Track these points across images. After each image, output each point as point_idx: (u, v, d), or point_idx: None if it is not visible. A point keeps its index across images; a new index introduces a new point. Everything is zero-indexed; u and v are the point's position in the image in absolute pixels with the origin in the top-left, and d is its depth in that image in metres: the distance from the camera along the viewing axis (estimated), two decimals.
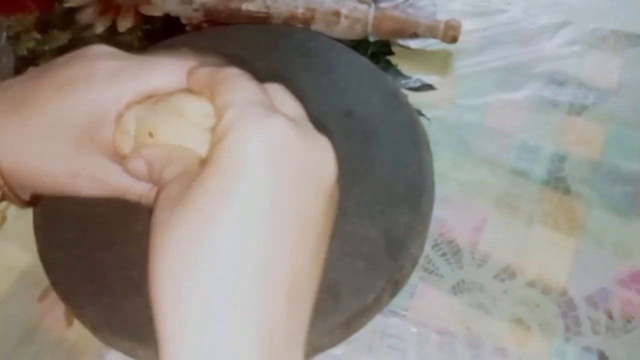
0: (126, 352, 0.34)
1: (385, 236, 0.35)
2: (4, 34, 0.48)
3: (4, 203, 0.44)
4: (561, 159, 0.44)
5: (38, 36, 0.55)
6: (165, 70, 0.29)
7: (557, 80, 0.48)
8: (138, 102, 0.29)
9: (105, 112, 0.28)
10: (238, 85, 0.25)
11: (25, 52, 0.54)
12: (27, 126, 0.27)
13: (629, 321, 0.37)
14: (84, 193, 0.30)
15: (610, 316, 0.37)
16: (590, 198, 0.42)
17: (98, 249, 0.37)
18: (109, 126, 0.28)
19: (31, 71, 0.30)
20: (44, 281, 0.39)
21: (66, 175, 0.29)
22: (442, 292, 0.38)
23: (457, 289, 0.38)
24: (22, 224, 0.43)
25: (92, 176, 0.29)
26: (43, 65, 0.30)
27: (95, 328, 0.35)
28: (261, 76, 0.42)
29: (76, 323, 0.38)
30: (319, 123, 0.41)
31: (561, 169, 0.43)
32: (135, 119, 0.28)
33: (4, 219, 0.43)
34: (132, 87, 0.28)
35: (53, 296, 0.39)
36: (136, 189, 0.30)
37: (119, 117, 0.28)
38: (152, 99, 0.29)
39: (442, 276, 0.39)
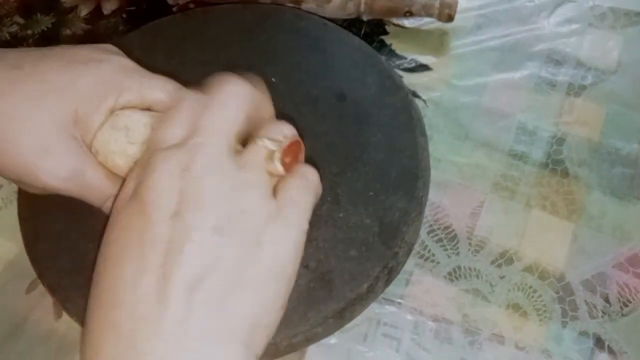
0: None
1: (379, 223, 0.34)
2: None
3: None
4: (559, 140, 0.43)
5: (21, 20, 0.54)
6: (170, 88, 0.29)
7: (555, 60, 0.47)
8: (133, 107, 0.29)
9: (105, 98, 0.27)
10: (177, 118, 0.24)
11: (8, 37, 0.52)
12: (17, 87, 0.25)
13: (625, 305, 0.36)
14: (43, 178, 0.27)
15: (607, 300, 0.37)
16: (588, 180, 0.41)
17: (85, 241, 0.36)
18: (100, 114, 0.27)
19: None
20: (32, 273, 0.38)
21: (36, 148, 0.26)
22: (438, 279, 0.37)
23: (454, 275, 0.38)
24: (8, 214, 0.42)
25: (62, 155, 0.27)
26: None
27: (84, 320, 0.34)
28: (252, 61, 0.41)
29: (65, 315, 0.37)
30: (310, 106, 0.40)
31: (559, 151, 0.42)
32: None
33: None
34: (139, 87, 0.28)
35: (41, 288, 0.38)
36: (107, 190, 0.29)
37: (112, 109, 0.28)
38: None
39: (438, 262, 0.38)
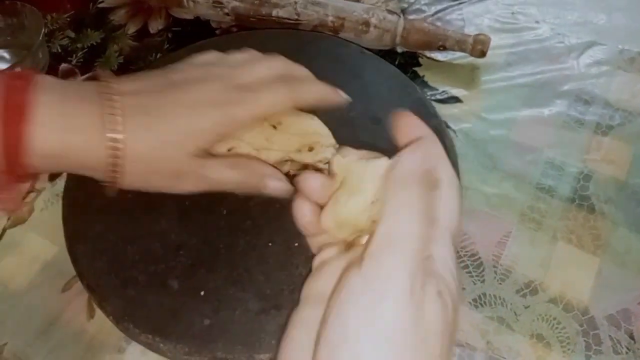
0: (147, 346, 0.34)
1: None
2: (43, 31, 0.50)
3: (32, 194, 0.45)
4: (586, 177, 0.44)
5: (72, 34, 0.57)
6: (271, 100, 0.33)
7: (584, 99, 0.48)
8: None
9: (224, 131, 0.32)
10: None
11: (59, 49, 0.55)
12: (151, 132, 0.30)
13: None
14: (183, 189, 0.33)
15: (631, 337, 0.37)
16: (614, 217, 0.42)
17: (123, 243, 0.38)
18: (222, 146, 0.33)
19: (154, 74, 0.33)
20: (68, 272, 0.39)
21: (171, 175, 0.32)
22: (463, 305, 0.38)
23: (479, 302, 0.38)
24: (48, 215, 0.44)
25: (194, 175, 0.32)
26: (163, 71, 0.33)
27: (118, 320, 0.35)
28: None
29: (96, 316, 0.39)
30: (347, 128, 0.41)
31: (586, 187, 0.43)
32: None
33: (31, 210, 0.44)
34: (248, 112, 0.32)
35: (76, 288, 0.40)
36: (232, 180, 0.33)
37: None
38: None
39: (464, 288, 0.39)
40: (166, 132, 0.30)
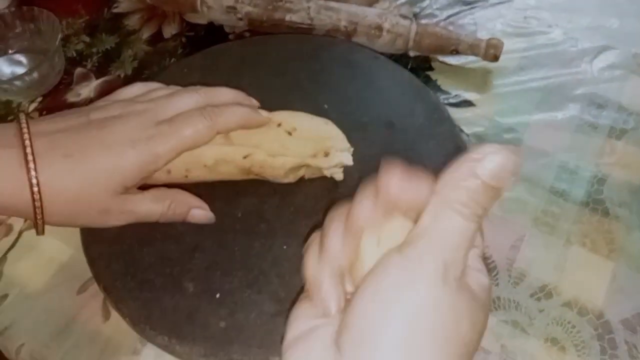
0: (163, 348, 0.35)
1: None
2: (59, 36, 0.50)
3: None
4: (600, 181, 0.44)
5: (87, 39, 0.57)
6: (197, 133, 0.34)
7: (597, 103, 0.48)
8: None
9: (147, 170, 0.33)
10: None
11: (74, 54, 0.56)
12: (74, 174, 0.31)
13: None
14: (110, 224, 0.35)
15: None
16: (629, 221, 0.41)
17: (139, 245, 0.38)
18: (149, 176, 0.34)
19: (75, 113, 0.34)
20: (84, 274, 0.40)
21: (98, 213, 0.33)
22: None
23: (493, 305, 0.38)
24: None
25: (120, 211, 0.34)
26: (83, 110, 0.35)
27: (135, 322, 0.35)
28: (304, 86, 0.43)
29: (112, 318, 0.39)
30: (360, 132, 0.41)
31: (600, 191, 0.43)
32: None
33: None
34: (170, 148, 0.33)
35: (91, 290, 0.40)
36: (156, 212, 0.36)
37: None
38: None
39: None
40: (87, 173, 0.32)
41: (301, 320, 0.24)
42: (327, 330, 0.23)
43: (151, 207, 0.35)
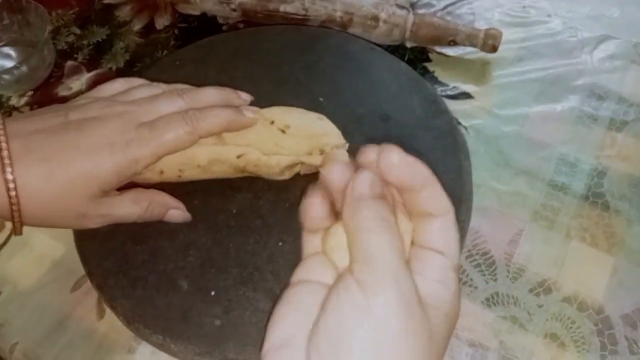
0: (158, 346, 0.34)
1: None
2: (48, 28, 0.49)
3: None
4: (600, 174, 0.43)
5: (77, 31, 0.56)
6: (177, 137, 0.33)
7: (598, 95, 0.47)
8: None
9: (126, 174, 0.33)
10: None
11: (65, 46, 0.55)
12: (51, 179, 0.31)
13: None
14: (88, 227, 0.34)
15: None
16: (629, 215, 0.41)
17: (133, 242, 0.37)
18: (127, 180, 0.34)
19: (53, 112, 0.33)
20: (77, 272, 0.39)
21: (76, 217, 0.33)
22: (475, 304, 0.38)
23: (491, 301, 0.38)
24: None
25: (98, 215, 0.34)
26: (62, 109, 0.34)
27: (129, 320, 0.35)
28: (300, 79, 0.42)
29: (107, 316, 0.38)
30: (356, 125, 0.41)
31: (600, 185, 0.42)
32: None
33: None
34: (149, 153, 0.33)
35: (85, 287, 0.40)
36: (134, 214, 0.35)
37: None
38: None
39: (476, 287, 0.38)
40: (64, 179, 0.31)
41: (279, 327, 0.23)
42: (300, 345, 0.22)
43: (129, 209, 0.35)
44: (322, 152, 0.35)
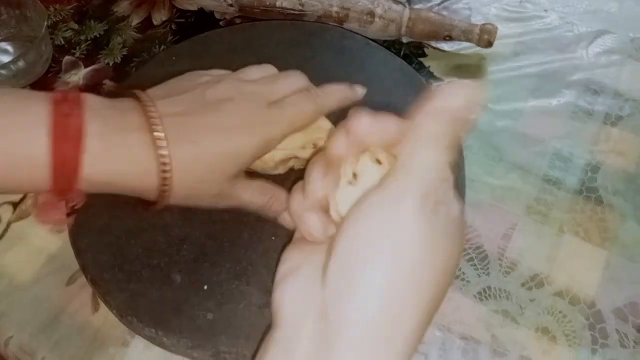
0: (151, 340, 0.34)
1: None
2: (45, 24, 0.49)
3: None
4: (594, 169, 0.43)
5: (75, 26, 0.56)
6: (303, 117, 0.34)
7: (593, 90, 0.47)
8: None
9: (260, 154, 0.33)
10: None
11: (63, 42, 0.55)
12: (198, 160, 0.31)
13: None
14: (218, 207, 0.34)
15: (639, 330, 0.36)
16: (623, 210, 0.41)
17: (127, 237, 0.38)
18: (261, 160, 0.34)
19: (189, 91, 0.33)
20: (72, 266, 0.39)
21: (213, 196, 0.33)
22: (467, 298, 0.38)
23: (484, 295, 0.38)
24: None
25: (230, 196, 0.33)
26: (194, 85, 0.34)
27: (122, 314, 0.35)
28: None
29: (102, 309, 0.39)
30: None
31: (594, 180, 0.42)
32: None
33: (36, 204, 0.44)
34: (281, 132, 0.33)
35: (80, 281, 0.40)
36: (258, 203, 0.34)
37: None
38: None
39: (469, 282, 0.38)
40: (209, 159, 0.31)
41: (289, 260, 0.26)
42: (313, 265, 0.24)
43: (254, 197, 0.34)
44: (315, 146, 0.36)
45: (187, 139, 0.31)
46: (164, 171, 0.30)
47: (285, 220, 0.33)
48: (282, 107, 0.33)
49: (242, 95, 0.33)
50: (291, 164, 0.38)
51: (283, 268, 0.26)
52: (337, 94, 0.36)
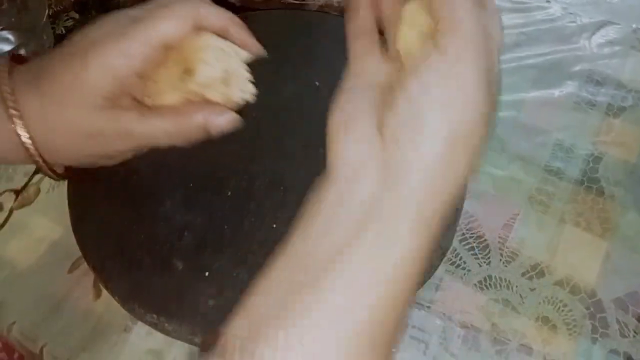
0: (153, 326, 0.35)
1: None
2: (46, 13, 0.49)
3: (38, 176, 0.45)
4: (596, 159, 0.43)
5: (76, 16, 0.56)
6: (173, 18, 0.28)
7: (596, 80, 0.47)
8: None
9: (120, 71, 0.28)
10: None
11: (63, 31, 0.55)
12: (46, 97, 0.28)
13: None
14: (113, 154, 0.31)
15: (639, 320, 0.36)
16: (624, 200, 0.41)
17: (128, 224, 0.38)
18: (132, 80, 0.28)
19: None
20: (74, 253, 0.39)
21: (88, 138, 0.29)
22: (468, 287, 0.38)
23: (484, 284, 0.38)
24: (54, 196, 0.44)
25: (116, 133, 0.29)
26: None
27: (124, 300, 0.35)
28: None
29: (103, 296, 0.39)
30: None
31: (595, 170, 0.42)
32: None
33: (38, 191, 0.44)
34: (141, 42, 0.27)
35: (82, 268, 0.40)
36: (160, 130, 0.29)
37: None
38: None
39: (469, 270, 0.38)
40: (56, 91, 0.27)
41: (338, 111, 0.26)
42: (367, 115, 0.24)
43: (155, 124, 0.29)
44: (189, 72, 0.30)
45: (33, 82, 0.28)
46: (25, 143, 0.28)
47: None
48: (146, 17, 0.28)
49: (105, 20, 0.29)
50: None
51: (336, 119, 0.25)
52: (224, 18, 0.31)
